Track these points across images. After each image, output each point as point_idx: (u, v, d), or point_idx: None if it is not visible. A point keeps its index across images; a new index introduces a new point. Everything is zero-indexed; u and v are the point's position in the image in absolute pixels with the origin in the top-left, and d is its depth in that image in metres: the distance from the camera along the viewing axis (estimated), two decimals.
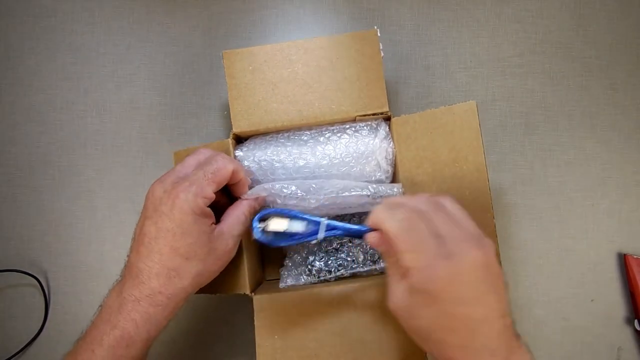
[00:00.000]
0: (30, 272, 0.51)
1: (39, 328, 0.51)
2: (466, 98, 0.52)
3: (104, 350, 0.32)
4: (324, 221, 0.34)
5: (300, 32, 0.54)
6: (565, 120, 0.52)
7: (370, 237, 0.33)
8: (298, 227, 0.35)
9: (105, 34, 0.54)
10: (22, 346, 0.50)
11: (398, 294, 0.31)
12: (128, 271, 0.35)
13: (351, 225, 0.34)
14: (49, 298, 0.51)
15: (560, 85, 0.52)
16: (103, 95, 0.54)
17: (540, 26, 0.53)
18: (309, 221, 0.35)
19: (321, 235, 0.34)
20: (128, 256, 0.36)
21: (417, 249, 0.29)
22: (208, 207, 0.35)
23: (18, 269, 0.51)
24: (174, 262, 0.34)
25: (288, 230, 0.35)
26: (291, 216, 0.35)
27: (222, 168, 0.35)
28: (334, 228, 0.34)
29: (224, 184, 0.37)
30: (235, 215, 0.38)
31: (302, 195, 0.39)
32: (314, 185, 0.40)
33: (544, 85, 0.52)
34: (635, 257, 0.49)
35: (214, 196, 0.35)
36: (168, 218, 0.33)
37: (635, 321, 0.48)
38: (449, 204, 0.33)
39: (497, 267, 0.30)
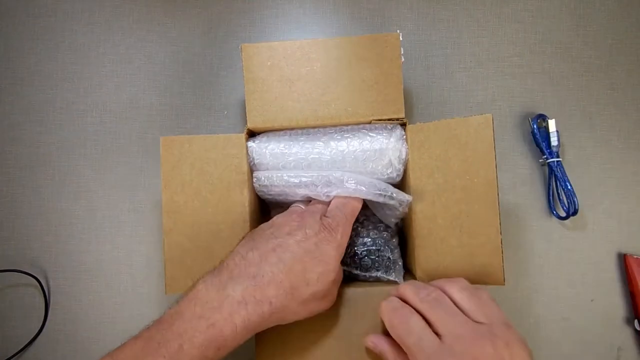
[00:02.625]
0: (30, 272, 0.51)
1: (39, 328, 0.51)
2: (466, 98, 0.52)
3: (195, 349, 0.30)
4: None
5: (300, 32, 0.54)
6: (565, 120, 0.52)
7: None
8: None
9: (105, 34, 0.54)
10: (22, 346, 0.50)
11: None
12: (241, 269, 0.33)
13: None
14: (49, 298, 0.51)
15: (560, 85, 0.52)
16: (103, 95, 0.54)
17: (540, 26, 0.53)
18: None
19: None
20: (241, 253, 0.34)
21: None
22: None
23: (18, 269, 0.51)
24: (297, 280, 0.33)
25: None
26: None
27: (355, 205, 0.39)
28: None
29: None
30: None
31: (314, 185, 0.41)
32: (333, 175, 0.41)
33: (544, 85, 0.52)
34: (635, 257, 0.49)
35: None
36: (315, 246, 0.34)
37: (635, 321, 0.48)
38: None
39: None
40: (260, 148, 0.43)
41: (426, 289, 0.35)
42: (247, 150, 0.43)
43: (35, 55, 0.54)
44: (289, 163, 0.43)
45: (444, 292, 0.34)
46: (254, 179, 0.44)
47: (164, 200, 0.41)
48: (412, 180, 0.42)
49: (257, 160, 0.43)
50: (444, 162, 0.40)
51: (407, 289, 0.36)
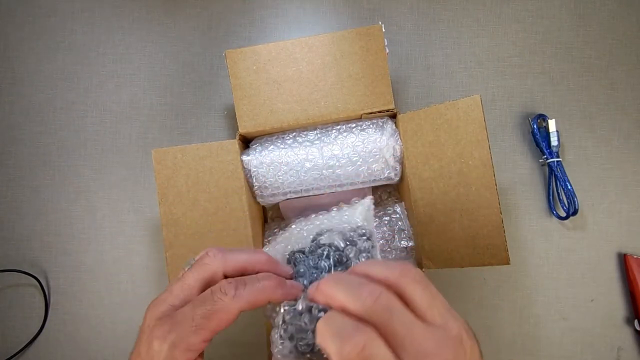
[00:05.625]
0: (30, 272, 0.51)
1: (39, 328, 0.51)
2: None
3: None
4: None
5: (300, 32, 0.54)
6: (565, 120, 0.52)
7: None
8: None
9: (105, 34, 0.54)
10: (22, 346, 0.50)
11: None
12: None
13: None
14: (49, 298, 0.51)
15: (560, 85, 0.52)
16: (103, 95, 0.54)
17: (540, 26, 0.53)
18: None
19: None
20: None
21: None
22: None
23: (18, 269, 0.51)
24: None
25: None
26: None
27: (220, 310, 0.27)
28: None
29: (224, 326, 0.28)
30: None
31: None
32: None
33: (544, 85, 0.52)
34: (635, 257, 0.49)
35: (202, 346, 0.27)
36: None
37: (635, 321, 0.48)
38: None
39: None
40: (256, 159, 0.43)
41: (366, 287, 0.24)
42: (242, 163, 0.43)
43: (35, 55, 0.54)
44: (285, 173, 0.43)
45: (391, 286, 0.25)
46: (258, 197, 0.45)
47: (162, 213, 0.41)
48: (408, 169, 0.42)
49: (254, 172, 0.43)
50: (437, 148, 0.41)
51: (339, 289, 0.25)
